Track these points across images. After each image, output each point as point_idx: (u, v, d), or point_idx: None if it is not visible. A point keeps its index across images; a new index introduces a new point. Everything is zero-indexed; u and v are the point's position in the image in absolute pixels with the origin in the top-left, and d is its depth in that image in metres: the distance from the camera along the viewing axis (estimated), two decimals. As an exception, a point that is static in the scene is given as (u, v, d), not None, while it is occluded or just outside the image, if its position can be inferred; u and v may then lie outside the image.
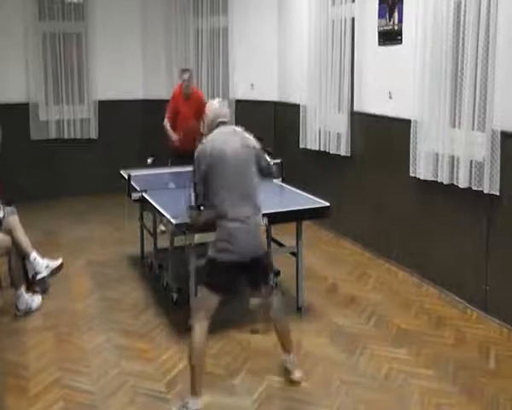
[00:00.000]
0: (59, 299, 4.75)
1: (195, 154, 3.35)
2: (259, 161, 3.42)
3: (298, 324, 4.21)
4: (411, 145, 4.96)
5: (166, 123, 6.30)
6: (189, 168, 3.62)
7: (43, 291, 4.76)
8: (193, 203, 3.45)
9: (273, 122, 7.61)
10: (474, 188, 4.33)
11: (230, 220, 3.21)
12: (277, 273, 4.78)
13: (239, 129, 3.46)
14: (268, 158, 3.56)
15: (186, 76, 6.20)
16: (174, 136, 6.23)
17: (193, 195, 3.44)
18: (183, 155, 5.86)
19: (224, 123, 3.43)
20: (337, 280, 5.15)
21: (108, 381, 3.56)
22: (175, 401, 3.31)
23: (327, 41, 6.20)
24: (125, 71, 8.04)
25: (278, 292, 3.53)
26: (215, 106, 3.50)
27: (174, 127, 6.29)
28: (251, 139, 3.42)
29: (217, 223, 3.26)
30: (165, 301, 4.64)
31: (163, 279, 4.91)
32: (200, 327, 3.21)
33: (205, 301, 3.26)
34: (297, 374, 3.52)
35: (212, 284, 3.24)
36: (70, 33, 7.90)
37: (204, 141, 3.39)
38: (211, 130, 3.43)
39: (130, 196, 4.85)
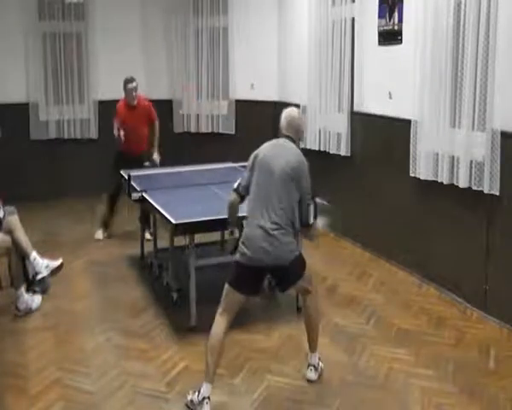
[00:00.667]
0: (59, 299, 4.75)
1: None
2: (300, 193, 3.34)
3: (298, 324, 4.21)
4: (411, 145, 4.96)
5: (116, 132, 6.00)
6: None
7: (43, 291, 4.76)
8: (235, 185, 3.50)
9: (273, 122, 7.60)
10: (474, 188, 4.33)
11: (252, 226, 3.30)
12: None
13: (299, 153, 3.40)
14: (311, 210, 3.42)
15: (133, 85, 6.01)
16: (118, 133, 5.96)
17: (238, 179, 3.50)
18: (128, 155, 5.96)
19: (287, 136, 3.44)
20: (337, 280, 5.15)
21: (108, 381, 3.56)
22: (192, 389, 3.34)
23: (327, 41, 6.20)
24: (125, 71, 7.97)
25: (314, 290, 3.54)
26: (288, 115, 3.49)
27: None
28: (302, 169, 3.36)
29: (244, 223, 3.41)
30: (165, 301, 4.64)
31: (163, 279, 4.91)
32: (218, 319, 3.34)
33: (226, 297, 3.36)
34: (308, 374, 3.53)
35: (233, 282, 3.33)
36: (70, 33, 7.89)
37: (263, 145, 3.46)
38: (280, 134, 3.48)
39: (130, 196, 4.85)
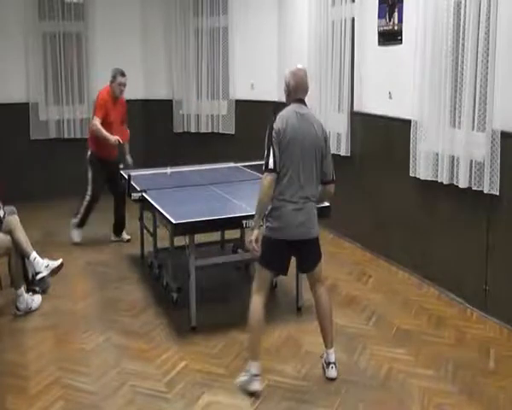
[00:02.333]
0: (59, 299, 4.75)
1: (273, 126, 3.30)
2: (324, 165, 3.41)
3: (298, 324, 4.22)
4: (411, 145, 4.96)
5: (99, 126, 5.75)
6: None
7: (43, 291, 4.77)
8: (270, 165, 3.29)
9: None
10: (474, 188, 4.33)
11: (287, 201, 3.31)
12: (277, 273, 4.77)
13: (314, 115, 3.43)
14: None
15: (125, 80, 5.90)
16: (112, 137, 5.73)
17: (270, 157, 3.30)
18: (106, 161, 5.88)
19: (302, 101, 3.38)
20: (337, 280, 5.15)
21: (108, 381, 3.56)
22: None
23: (327, 41, 6.20)
24: (124, 71, 8.02)
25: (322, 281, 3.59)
26: (300, 74, 3.37)
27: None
28: (323, 128, 3.43)
29: (273, 200, 3.35)
30: (165, 301, 4.64)
31: (163, 279, 4.91)
32: (254, 298, 3.43)
33: (259, 275, 3.47)
34: (330, 372, 3.53)
35: (262, 260, 3.40)
36: (70, 33, 7.90)
37: (281, 114, 3.34)
38: (290, 100, 3.38)
39: (130, 196, 4.85)
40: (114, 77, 5.90)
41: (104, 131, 5.75)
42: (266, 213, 3.40)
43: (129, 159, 6.14)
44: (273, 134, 3.30)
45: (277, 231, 3.35)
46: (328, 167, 3.45)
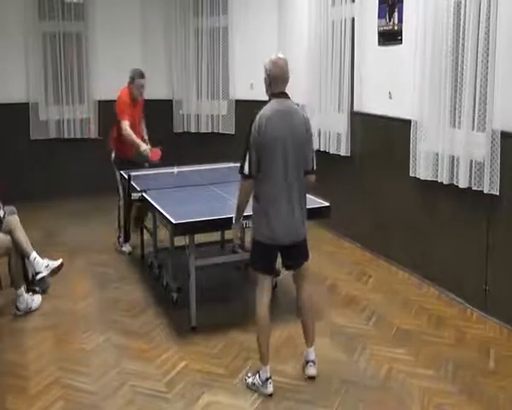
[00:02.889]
0: (59, 299, 4.75)
1: (253, 122, 3.21)
2: (307, 156, 3.34)
3: (298, 324, 4.20)
4: (411, 145, 4.96)
5: (129, 131, 5.55)
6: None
7: (43, 291, 4.77)
8: (245, 171, 3.24)
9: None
10: (474, 188, 4.33)
11: (274, 206, 3.26)
12: (277, 274, 4.77)
13: (295, 107, 3.30)
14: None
15: (144, 81, 5.73)
16: (143, 145, 5.59)
17: (245, 161, 3.24)
18: (131, 160, 5.70)
19: (284, 94, 3.25)
20: (337, 280, 5.15)
21: (108, 381, 3.56)
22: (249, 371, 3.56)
23: (327, 41, 6.20)
24: (124, 71, 7.99)
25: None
26: (280, 63, 3.23)
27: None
28: (309, 126, 3.33)
29: (257, 202, 3.31)
30: (165, 301, 4.64)
31: (163, 279, 4.91)
32: (259, 300, 3.42)
33: (259, 279, 3.43)
34: (309, 370, 3.54)
35: (257, 266, 3.41)
36: (70, 33, 7.89)
37: (260, 114, 3.23)
38: (270, 93, 3.27)
39: (131, 196, 4.85)
40: (133, 79, 5.73)
41: (135, 137, 5.58)
42: (253, 216, 3.38)
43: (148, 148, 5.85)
44: (251, 138, 3.22)
45: (267, 237, 3.31)
46: (309, 158, 3.35)
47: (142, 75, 5.75)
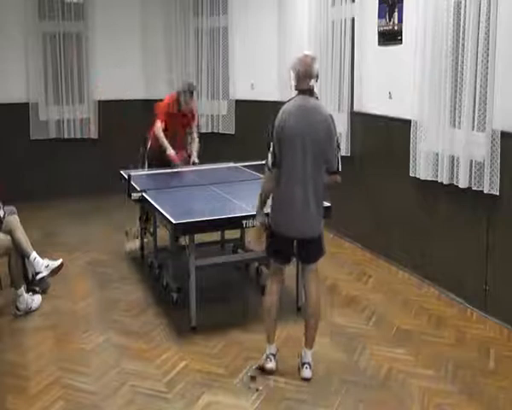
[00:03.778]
0: (59, 299, 4.75)
1: (276, 116, 3.33)
2: (329, 156, 3.36)
3: (298, 324, 4.20)
4: (411, 145, 4.96)
5: (161, 132, 5.56)
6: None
7: (43, 291, 4.77)
8: (269, 162, 3.37)
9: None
10: (474, 188, 4.33)
11: (288, 200, 3.36)
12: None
13: (319, 104, 3.37)
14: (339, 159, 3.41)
15: (192, 99, 5.62)
16: (171, 151, 5.52)
17: (269, 153, 3.37)
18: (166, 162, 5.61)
19: (308, 91, 3.30)
20: (337, 280, 5.15)
21: (108, 381, 3.56)
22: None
23: (327, 41, 6.20)
24: (125, 71, 8.03)
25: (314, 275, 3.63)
26: (305, 61, 3.29)
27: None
28: (332, 125, 3.33)
29: (275, 194, 3.43)
30: (165, 301, 4.64)
31: (163, 279, 4.91)
32: (268, 286, 3.60)
33: (270, 266, 3.66)
34: (304, 372, 3.54)
35: (270, 253, 3.58)
36: (70, 33, 7.89)
37: (283, 108, 3.32)
38: (296, 89, 3.32)
39: (130, 196, 4.85)
40: (183, 93, 5.58)
41: (165, 141, 5.53)
42: (271, 206, 3.49)
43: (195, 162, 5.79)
44: (274, 131, 3.33)
45: (279, 226, 3.45)
46: (332, 157, 3.37)
47: (191, 92, 5.61)
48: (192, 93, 5.63)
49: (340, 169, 3.44)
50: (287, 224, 3.41)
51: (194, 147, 5.80)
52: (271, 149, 3.34)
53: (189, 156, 5.79)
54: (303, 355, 3.58)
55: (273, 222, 3.48)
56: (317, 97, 3.41)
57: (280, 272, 3.61)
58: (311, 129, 3.29)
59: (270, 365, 3.55)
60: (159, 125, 5.59)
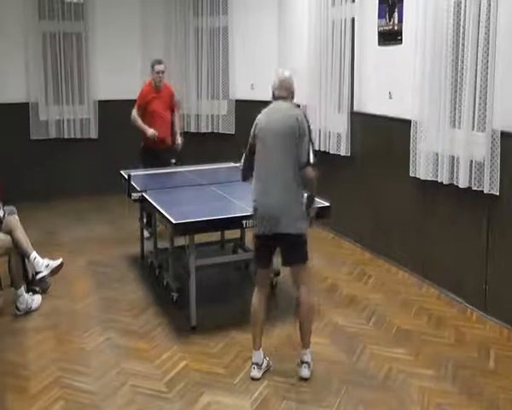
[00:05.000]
0: (59, 299, 4.75)
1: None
2: (299, 151, 3.42)
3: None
4: (411, 145, 4.96)
5: (136, 115, 5.99)
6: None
7: (44, 291, 4.77)
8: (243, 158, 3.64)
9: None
10: (474, 188, 4.33)
11: (261, 195, 3.46)
12: (277, 273, 4.78)
13: (289, 106, 3.55)
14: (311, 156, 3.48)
15: (162, 67, 6.00)
16: (150, 130, 5.91)
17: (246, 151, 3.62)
18: (156, 151, 5.92)
19: (282, 98, 3.58)
20: (337, 280, 5.15)
21: (108, 381, 3.56)
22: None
23: (327, 41, 6.20)
24: (125, 71, 8.02)
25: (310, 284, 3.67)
26: (280, 75, 3.67)
27: (146, 124, 6.00)
28: (300, 123, 3.43)
29: (252, 191, 3.55)
30: (165, 301, 4.64)
31: (163, 279, 4.91)
32: (254, 293, 3.62)
33: (256, 273, 3.67)
34: (302, 372, 3.55)
35: (254, 257, 3.65)
36: (70, 33, 7.89)
37: (262, 111, 3.61)
38: (272, 96, 3.65)
39: (130, 196, 4.85)
40: (152, 67, 6.04)
41: (140, 122, 5.96)
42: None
43: (179, 142, 6.23)
44: (251, 131, 3.60)
45: (256, 226, 3.53)
46: (302, 152, 3.42)
47: (159, 62, 6.05)
48: (160, 62, 6.01)
49: (311, 161, 3.44)
50: (262, 218, 3.44)
51: (177, 127, 6.30)
52: (244, 157, 3.62)
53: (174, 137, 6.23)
54: (300, 355, 3.59)
55: (254, 224, 3.56)
56: (297, 105, 3.64)
57: (262, 278, 3.62)
58: (278, 123, 3.46)
59: (253, 373, 3.55)
60: (133, 112, 5.96)
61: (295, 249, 3.51)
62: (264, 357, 3.61)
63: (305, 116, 3.53)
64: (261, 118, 3.56)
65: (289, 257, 3.53)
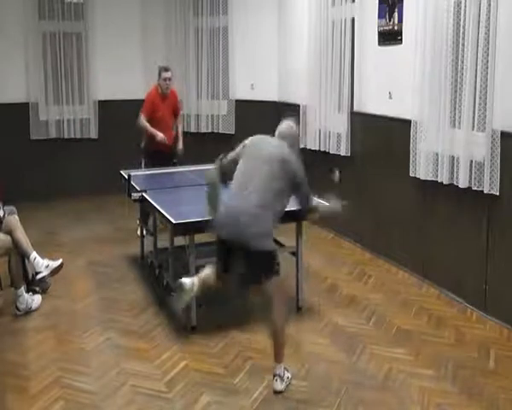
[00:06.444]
0: (59, 299, 4.75)
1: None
2: (294, 184, 3.50)
3: (298, 324, 4.22)
4: (411, 145, 4.96)
5: (144, 122, 6.07)
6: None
7: (44, 291, 4.77)
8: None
9: (273, 122, 7.59)
10: (474, 188, 4.33)
11: (231, 197, 3.49)
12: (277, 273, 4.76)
13: (279, 142, 3.63)
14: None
15: (169, 74, 6.13)
16: (159, 135, 6.02)
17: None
18: (161, 152, 6.02)
19: (282, 138, 3.69)
20: (337, 280, 5.15)
21: (108, 381, 3.56)
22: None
23: (327, 41, 6.20)
24: (125, 71, 8.03)
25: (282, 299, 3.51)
26: (291, 126, 3.80)
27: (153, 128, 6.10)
28: (291, 162, 3.48)
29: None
30: (165, 301, 4.64)
31: (163, 279, 4.91)
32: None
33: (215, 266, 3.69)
34: (273, 384, 3.41)
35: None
36: (70, 33, 7.89)
37: (254, 136, 3.74)
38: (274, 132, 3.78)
39: (130, 196, 4.85)
40: (159, 74, 6.15)
41: (150, 128, 6.04)
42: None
43: (181, 148, 6.40)
44: (242, 145, 3.69)
45: (215, 226, 3.54)
46: (299, 197, 3.59)
47: (166, 69, 6.17)
48: (167, 70, 6.15)
49: (311, 206, 3.70)
50: (226, 219, 3.43)
51: (180, 132, 6.48)
52: (231, 151, 3.74)
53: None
54: (273, 367, 3.45)
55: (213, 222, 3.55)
56: (291, 145, 3.63)
57: (222, 278, 3.64)
58: (263, 151, 3.53)
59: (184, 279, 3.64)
60: (141, 118, 6.07)
61: (260, 263, 3.37)
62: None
63: (297, 161, 3.53)
64: (252, 139, 3.68)
65: (255, 272, 3.42)
